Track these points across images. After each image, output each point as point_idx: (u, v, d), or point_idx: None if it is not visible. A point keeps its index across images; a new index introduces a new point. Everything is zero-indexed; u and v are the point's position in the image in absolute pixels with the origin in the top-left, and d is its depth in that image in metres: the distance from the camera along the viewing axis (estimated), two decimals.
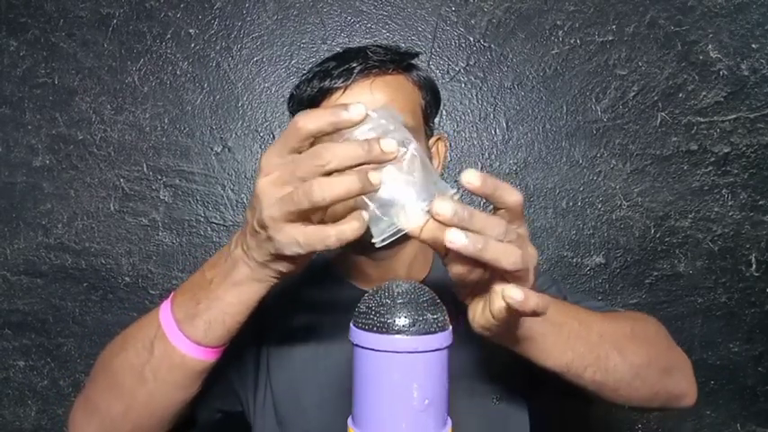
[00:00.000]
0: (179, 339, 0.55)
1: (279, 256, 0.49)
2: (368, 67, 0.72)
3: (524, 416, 0.77)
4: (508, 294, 0.44)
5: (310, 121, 0.46)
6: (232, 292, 0.53)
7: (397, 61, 0.74)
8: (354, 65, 0.71)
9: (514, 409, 0.75)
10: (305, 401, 0.74)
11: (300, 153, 0.47)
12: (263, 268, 0.51)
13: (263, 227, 0.47)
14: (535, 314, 0.46)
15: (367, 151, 0.44)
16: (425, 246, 0.47)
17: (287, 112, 1.21)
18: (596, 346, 0.58)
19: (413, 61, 0.77)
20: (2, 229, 1.26)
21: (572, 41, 1.23)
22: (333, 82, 0.72)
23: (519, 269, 0.44)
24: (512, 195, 0.46)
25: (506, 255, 0.44)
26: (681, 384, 0.67)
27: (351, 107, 0.46)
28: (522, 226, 0.48)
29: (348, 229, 0.46)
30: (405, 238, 0.48)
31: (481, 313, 0.50)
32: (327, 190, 0.44)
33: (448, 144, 0.88)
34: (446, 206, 0.42)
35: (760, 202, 1.24)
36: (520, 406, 0.76)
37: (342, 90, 0.71)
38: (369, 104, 0.70)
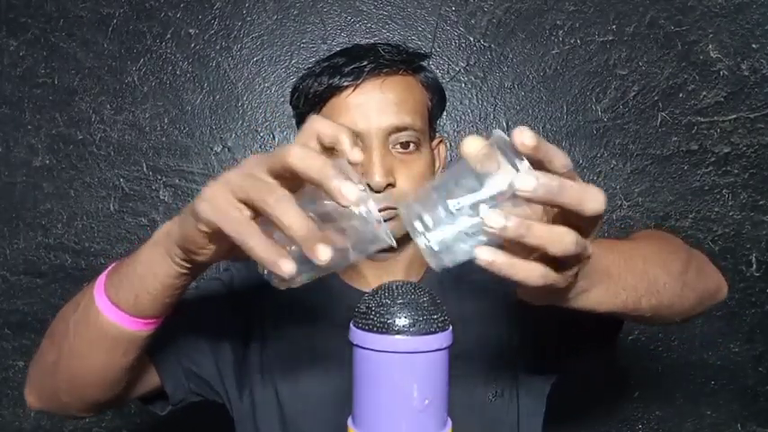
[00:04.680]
0: (99, 294, 0.55)
1: (193, 226, 0.46)
2: (379, 65, 0.71)
3: (531, 410, 0.76)
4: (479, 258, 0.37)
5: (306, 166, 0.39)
6: (146, 257, 0.52)
7: (407, 62, 0.74)
8: (365, 63, 0.70)
9: (514, 405, 0.75)
10: (305, 401, 0.74)
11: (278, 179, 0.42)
12: (172, 238, 0.50)
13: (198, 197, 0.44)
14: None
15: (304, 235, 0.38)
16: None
17: (287, 111, 1.22)
18: (644, 273, 0.54)
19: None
20: (2, 229, 1.26)
21: (572, 41, 1.23)
22: (342, 79, 0.70)
23: (571, 253, 0.38)
24: (561, 159, 0.38)
25: (555, 241, 0.37)
26: (714, 278, 0.66)
27: (348, 192, 0.38)
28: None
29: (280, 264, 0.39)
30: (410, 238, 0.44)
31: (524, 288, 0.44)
32: (278, 208, 0.39)
33: (447, 146, 0.88)
34: (529, 180, 0.35)
35: (760, 202, 1.24)
36: (525, 401, 0.75)
37: (352, 88, 0.70)
38: (379, 104, 0.70)
